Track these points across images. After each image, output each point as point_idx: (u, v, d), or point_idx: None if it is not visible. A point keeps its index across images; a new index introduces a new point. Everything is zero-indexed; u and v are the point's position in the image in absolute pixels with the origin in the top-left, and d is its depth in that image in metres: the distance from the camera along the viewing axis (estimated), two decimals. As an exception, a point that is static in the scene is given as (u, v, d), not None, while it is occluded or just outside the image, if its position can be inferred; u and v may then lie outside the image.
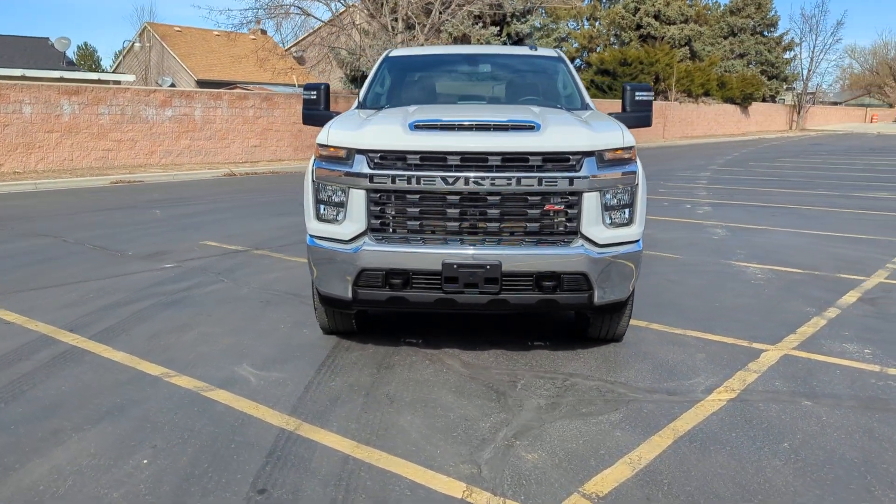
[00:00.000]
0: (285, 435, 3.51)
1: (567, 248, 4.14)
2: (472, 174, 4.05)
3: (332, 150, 4.25)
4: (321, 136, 4.33)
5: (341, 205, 4.24)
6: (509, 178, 4.04)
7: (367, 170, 4.11)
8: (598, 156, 4.13)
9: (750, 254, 8.04)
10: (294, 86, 30.58)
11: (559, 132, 4.17)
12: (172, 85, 34.01)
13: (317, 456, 3.32)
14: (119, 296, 5.96)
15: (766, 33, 52.11)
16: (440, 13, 21.89)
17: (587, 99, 5.61)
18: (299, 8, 22.60)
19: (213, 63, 39.43)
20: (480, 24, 26.69)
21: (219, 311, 5.56)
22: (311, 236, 4.41)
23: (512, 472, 3.18)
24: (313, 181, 4.32)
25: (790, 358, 4.67)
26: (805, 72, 54.93)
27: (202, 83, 35.65)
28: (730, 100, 45.21)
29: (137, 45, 41.41)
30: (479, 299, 4.17)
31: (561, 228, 4.18)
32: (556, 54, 6.15)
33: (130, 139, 17.08)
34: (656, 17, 44.93)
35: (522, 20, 33.06)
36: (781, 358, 4.67)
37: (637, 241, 4.34)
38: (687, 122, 40.17)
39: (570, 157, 4.10)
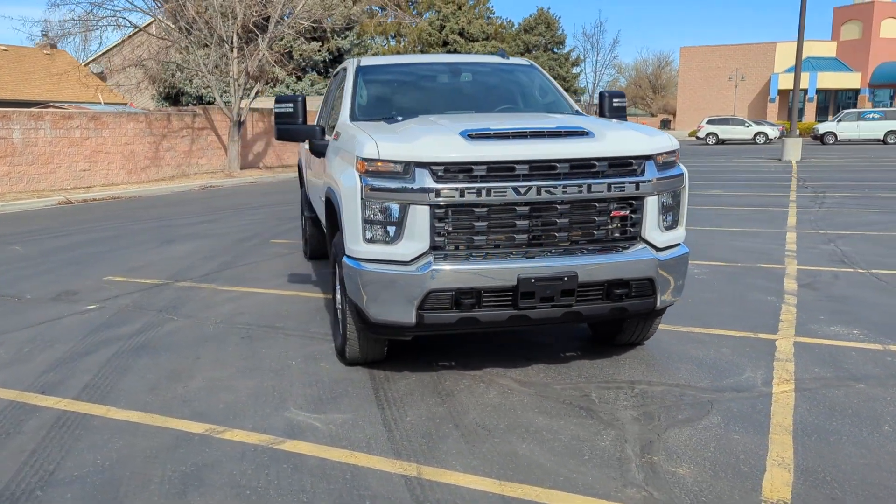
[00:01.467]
0: (414, 481, 3.15)
1: (635, 254, 4.08)
2: (542, 183, 3.88)
3: (384, 164, 3.89)
4: (366, 149, 3.93)
5: (398, 223, 3.89)
6: (580, 186, 3.92)
7: (431, 184, 3.80)
8: (654, 159, 4.12)
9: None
10: (100, 104, 28.10)
11: (618, 137, 4.11)
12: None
13: (468, 499, 2.99)
14: (63, 347, 5.09)
15: (555, 50, 55.88)
16: (270, 30, 21.11)
17: (575, 105, 5.62)
18: (127, 20, 20.76)
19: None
20: (301, 40, 26.17)
21: (205, 353, 4.91)
22: (357, 259, 4.01)
23: (682, 490, 3.05)
24: (362, 199, 3.92)
25: (802, 345, 4.93)
26: (591, 85, 59.53)
27: (-11, 103, 31.74)
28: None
29: None
30: (553, 313, 4.01)
31: (624, 234, 4.13)
32: (527, 62, 6.12)
33: (-63, 168, 14.81)
34: (461, 35, 46.58)
35: (343, 36, 32.89)
36: (795, 346, 4.91)
37: (683, 243, 4.38)
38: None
39: (633, 161, 4.06)
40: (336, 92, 6.04)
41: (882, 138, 37.10)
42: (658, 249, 4.16)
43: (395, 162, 3.87)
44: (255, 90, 22.73)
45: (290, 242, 9.41)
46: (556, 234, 4.00)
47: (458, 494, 3.04)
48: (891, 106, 52.35)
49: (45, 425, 3.77)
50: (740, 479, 3.13)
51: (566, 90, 56.24)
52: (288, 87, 30.50)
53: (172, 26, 22.03)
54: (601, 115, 5.52)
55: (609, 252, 4.08)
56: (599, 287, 4.01)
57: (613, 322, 4.72)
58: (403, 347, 4.81)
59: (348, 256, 4.08)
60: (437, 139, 3.95)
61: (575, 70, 56.19)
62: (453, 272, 3.83)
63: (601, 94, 5.65)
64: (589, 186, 3.94)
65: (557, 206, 3.95)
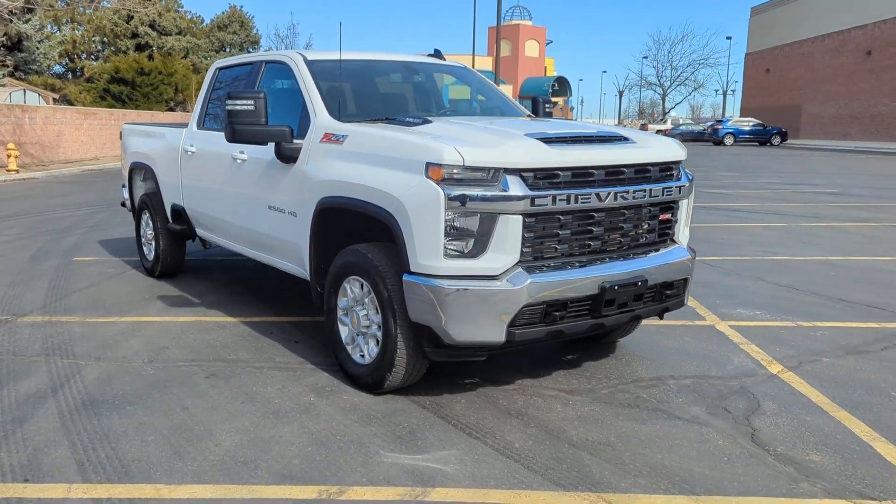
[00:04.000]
0: (616, 508, 2.96)
1: (678, 255, 4.26)
2: (615, 189, 3.88)
3: (469, 171, 3.56)
4: (446, 155, 3.55)
5: (484, 235, 3.59)
6: (644, 190, 4.00)
7: (525, 191, 3.58)
8: (682, 165, 4.34)
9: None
10: None
11: (660, 144, 4.24)
12: None
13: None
14: (-32, 415, 3.83)
15: (251, 50, 54.60)
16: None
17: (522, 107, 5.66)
18: None
19: None
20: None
21: (187, 401, 4.04)
22: (433, 277, 3.62)
23: (842, 476, 3.28)
24: (444, 210, 3.54)
25: (740, 328, 5.52)
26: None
27: None
28: (240, 110, 46.27)
29: None
30: (622, 318, 4.04)
31: (663, 236, 4.28)
32: (460, 64, 5.96)
33: None
34: (152, 27, 43.28)
35: (24, 20, 28.74)
36: (737, 329, 5.48)
37: None
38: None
39: (673, 166, 4.23)
40: (259, 89, 5.29)
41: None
42: (686, 250, 4.37)
43: (482, 169, 3.57)
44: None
45: (101, 259, 8.02)
46: (621, 240, 4.02)
47: (670, 514, 2.93)
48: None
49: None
50: (866, 458, 3.44)
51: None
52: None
53: None
54: (535, 115, 5.62)
55: (657, 254, 4.19)
56: (655, 289, 4.11)
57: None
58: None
59: (417, 275, 3.66)
60: (521, 144, 3.72)
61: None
62: (547, 284, 3.66)
63: (534, 100, 5.75)
64: (650, 191, 4.02)
65: (625, 211, 3.96)
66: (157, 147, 6.71)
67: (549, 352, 4.92)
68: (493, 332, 3.62)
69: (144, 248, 7.22)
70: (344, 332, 4.29)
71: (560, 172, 3.69)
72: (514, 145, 3.68)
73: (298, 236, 4.58)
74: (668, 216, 4.23)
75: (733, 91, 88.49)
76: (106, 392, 4.16)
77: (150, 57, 38.57)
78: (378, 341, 4.01)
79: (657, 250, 4.21)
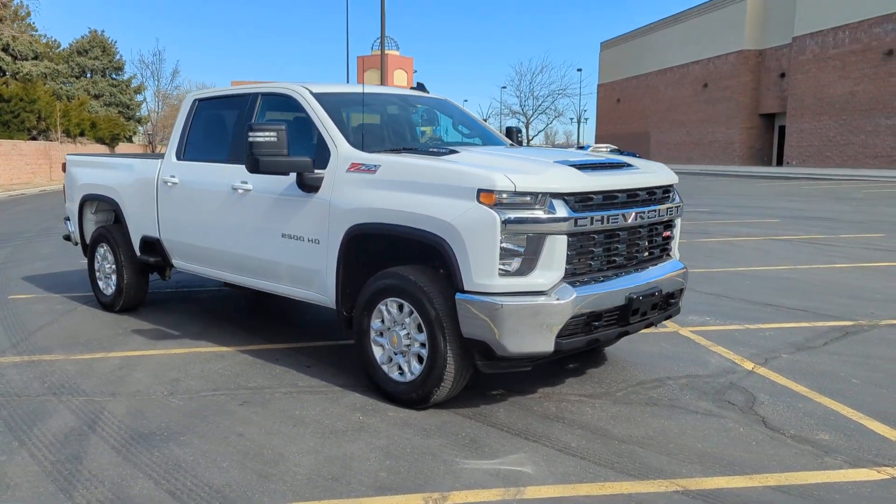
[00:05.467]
0: (709, 495, 3.37)
1: (677, 267, 4.78)
2: (634, 210, 4.34)
3: (520, 196, 3.91)
4: (498, 182, 3.87)
5: (533, 254, 3.95)
6: (655, 210, 4.49)
7: (570, 213, 3.97)
8: (675, 188, 4.89)
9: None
10: None
11: (657, 169, 4.76)
12: None
13: (758, 500, 3.36)
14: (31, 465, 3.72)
15: (115, 76, 52.35)
16: None
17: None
18: None
19: None
20: None
21: (240, 428, 4.08)
22: (488, 294, 3.92)
23: (853, 447, 3.85)
24: (501, 233, 3.86)
25: (702, 333, 6.14)
26: (154, 114, 56.99)
27: None
28: (101, 140, 44.18)
29: None
30: (640, 326, 4.48)
31: (664, 251, 4.79)
32: (443, 96, 6.28)
33: None
34: (5, 51, 40.60)
35: None
36: (699, 334, 6.10)
37: None
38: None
39: (671, 189, 4.76)
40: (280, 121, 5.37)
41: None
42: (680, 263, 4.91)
43: (531, 194, 3.92)
44: None
45: (39, 296, 7.65)
46: (637, 255, 4.48)
47: (747, 498, 3.36)
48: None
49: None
50: (864, 434, 4.03)
51: (130, 118, 52.97)
52: None
53: None
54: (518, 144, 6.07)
55: (662, 266, 4.69)
56: (664, 298, 4.60)
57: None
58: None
59: (471, 293, 3.94)
60: (561, 171, 4.11)
61: (138, 98, 53.11)
62: (589, 297, 4.04)
63: (508, 129, 6.20)
64: (658, 211, 4.52)
65: (640, 229, 4.43)
66: (123, 178, 6.56)
67: (552, 363, 5.29)
68: (544, 342, 3.96)
69: (100, 283, 7.00)
70: (378, 352, 4.48)
71: (594, 196, 4.10)
72: (556, 172, 4.07)
73: (321, 263, 4.73)
74: (668, 233, 4.74)
75: (586, 119, 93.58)
76: (146, 425, 4.13)
77: (6, 83, 36.11)
78: (421, 359, 4.24)
79: (660, 264, 4.71)
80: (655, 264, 4.66)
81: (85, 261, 7.35)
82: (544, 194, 3.94)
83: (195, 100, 6.15)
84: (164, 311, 6.95)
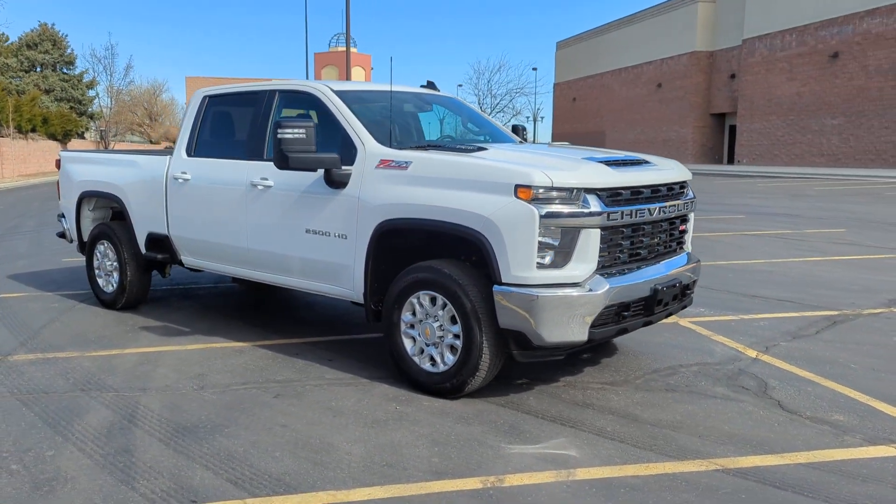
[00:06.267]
0: (749, 472, 3.56)
1: (692, 259, 4.99)
2: (658, 204, 4.54)
3: (557, 191, 4.06)
4: (536, 178, 4.02)
5: (568, 246, 4.11)
6: (675, 204, 4.69)
7: (603, 208, 4.14)
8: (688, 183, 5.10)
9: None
10: None
11: (672, 166, 4.96)
12: None
13: (789, 475, 3.57)
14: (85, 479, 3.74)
15: (66, 70, 51.06)
16: None
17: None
18: None
19: None
20: None
21: (282, 419, 4.15)
22: (525, 286, 4.07)
23: (866, 425, 4.11)
24: (539, 227, 4.01)
25: (701, 323, 6.39)
26: (107, 110, 55.73)
27: None
28: (52, 136, 43.05)
29: None
30: (661, 316, 4.68)
31: (680, 244, 5.00)
32: (452, 94, 6.40)
33: None
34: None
35: None
36: (699, 325, 6.35)
37: None
38: (21, 159, 36.68)
39: (686, 185, 4.97)
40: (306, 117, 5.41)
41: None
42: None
43: (567, 189, 4.08)
44: None
45: (31, 295, 7.55)
46: (657, 248, 4.68)
47: (782, 475, 3.57)
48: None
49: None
50: (874, 415, 4.29)
51: (83, 114, 51.71)
52: None
53: None
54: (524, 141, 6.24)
55: (678, 259, 4.90)
56: (681, 289, 4.81)
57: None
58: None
59: (509, 285, 4.08)
60: (593, 167, 4.28)
61: (90, 93, 51.85)
62: (620, 288, 4.22)
63: (514, 127, 6.37)
64: (677, 205, 4.72)
65: (662, 223, 4.63)
66: (126, 175, 6.52)
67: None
68: (579, 332, 4.12)
69: (100, 280, 6.94)
70: (409, 344, 4.59)
71: (623, 191, 4.28)
72: (589, 168, 4.23)
73: (349, 258, 4.81)
74: (684, 227, 4.95)
75: (542, 118, 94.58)
76: (187, 418, 4.17)
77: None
78: (454, 350, 4.36)
79: (676, 256, 4.91)
80: (672, 257, 4.87)
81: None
82: (579, 189, 4.09)
83: (205, 96, 6.15)
84: (166, 309, 6.93)
